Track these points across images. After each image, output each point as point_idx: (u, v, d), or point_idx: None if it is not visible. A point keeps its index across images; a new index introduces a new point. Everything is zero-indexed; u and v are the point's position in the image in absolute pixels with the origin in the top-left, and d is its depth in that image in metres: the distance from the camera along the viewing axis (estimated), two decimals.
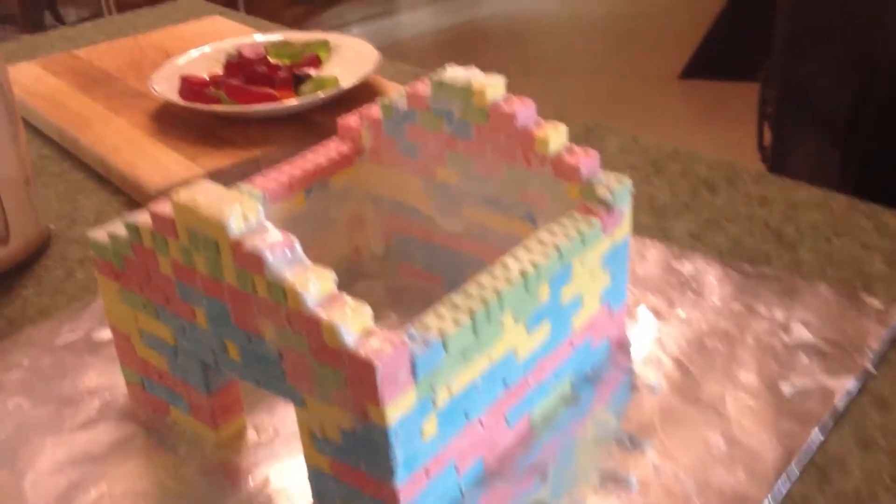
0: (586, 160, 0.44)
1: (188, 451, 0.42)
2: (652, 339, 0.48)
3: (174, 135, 0.71)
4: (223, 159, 0.66)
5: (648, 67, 2.87)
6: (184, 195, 0.36)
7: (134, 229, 0.39)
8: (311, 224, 0.50)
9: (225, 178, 0.65)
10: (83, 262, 0.59)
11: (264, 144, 0.68)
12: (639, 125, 2.40)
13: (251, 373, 0.38)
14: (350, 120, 0.52)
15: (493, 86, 0.46)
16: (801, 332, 0.47)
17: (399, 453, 0.35)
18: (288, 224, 0.48)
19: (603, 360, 0.46)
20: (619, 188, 0.44)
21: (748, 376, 0.45)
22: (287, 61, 0.80)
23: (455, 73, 0.47)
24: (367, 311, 0.34)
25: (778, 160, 1.37)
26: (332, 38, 0.84)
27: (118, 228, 0.40)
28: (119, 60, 0.89)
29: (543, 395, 0.43)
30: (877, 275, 0.53)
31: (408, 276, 0.54)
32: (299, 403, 0.37)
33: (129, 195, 0.66)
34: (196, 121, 0.72)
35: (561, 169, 0.45)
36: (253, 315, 0.36)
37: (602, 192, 0.43)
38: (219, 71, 0.80)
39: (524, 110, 0.45)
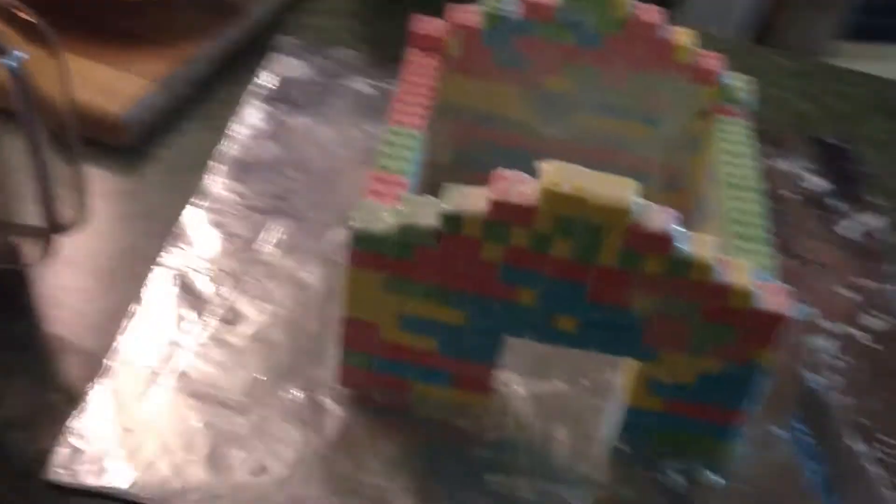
0: (717, 63, 0.47)
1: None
2: None
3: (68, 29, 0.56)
4: (158, 63, 0.55)
5: None
6: (563, 183, 0.33)
7: (454, 220, 0.34)
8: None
9: (174, 86, 0.55)
10: None
11: (185, 37, 0.57)
12: None
13: (583, 341, 0.38)
14: (431, 27, 0.47)
15: None
16: None
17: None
18: None
19: None
20: (750, 87, 0.47)
21: None
22: None
23: None
24: (747, 266, 0.36)
25: None
26: None
27: (410, 215, 0.35)
28: None
29: None
30: None
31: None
32: (647, 359, 0.38)
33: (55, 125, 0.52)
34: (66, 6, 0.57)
35: (698, 74, 0.47)
36: (623, 290, 0.35)
37: (739, 93, 0.47)
38: None
39: (661, 17, 0.46)
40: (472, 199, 0.35)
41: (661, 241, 0.34)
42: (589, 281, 0.35)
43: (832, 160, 0.60)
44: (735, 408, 0.39)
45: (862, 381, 0.46)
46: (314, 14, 0.66)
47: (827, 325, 0.48)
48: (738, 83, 0.47)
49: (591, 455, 0.40)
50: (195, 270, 0.45)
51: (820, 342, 0.47)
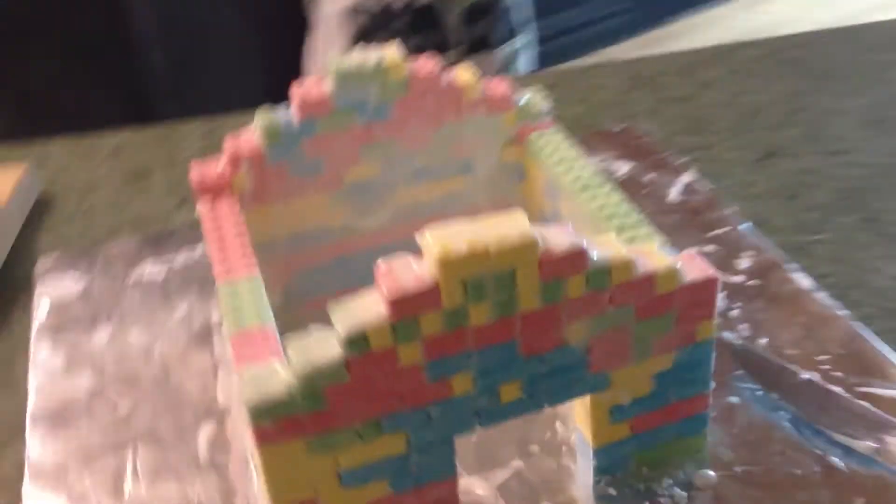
0: (506, 87, 0.44)
1: None
2: None
3: None
4: None
5: None
6: (458, 244, 0.28)
7: (360, 340, 0.28)
8: None
9: None
10: None
11: None
12: None
13: (533, 402, 0.32)
14: (211, 170, 0.41)
15: (401, 53, 0.42)
16: None
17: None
18: None
19: None
20: (543, 95, 0.45)
21: None
22: None
23: (354, 58, 0.41)
24: (654, 247, 0.33)
25: None
26: None
27: (305, 359, 0.29)
28: None
29: None
30: None
31: (320, 310, 0.46)
32: (601, 388, 0.33)
33: None
34: None
35: (492, 104, 0.44)
36: (558, 328, 0.31)
37: (537, 106, 0.44)
38: None
39: (438, 64, 0.43)
40: (365, 310, 0.29)
41: (577, 259, 0.30)
42: (517, 335, 0.31)
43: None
44: (699, 392, 0.35)
45: (765, 318, 0.44)
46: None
47: None
48: (531, 97, 0.45)
49: None
50: None
51: None
